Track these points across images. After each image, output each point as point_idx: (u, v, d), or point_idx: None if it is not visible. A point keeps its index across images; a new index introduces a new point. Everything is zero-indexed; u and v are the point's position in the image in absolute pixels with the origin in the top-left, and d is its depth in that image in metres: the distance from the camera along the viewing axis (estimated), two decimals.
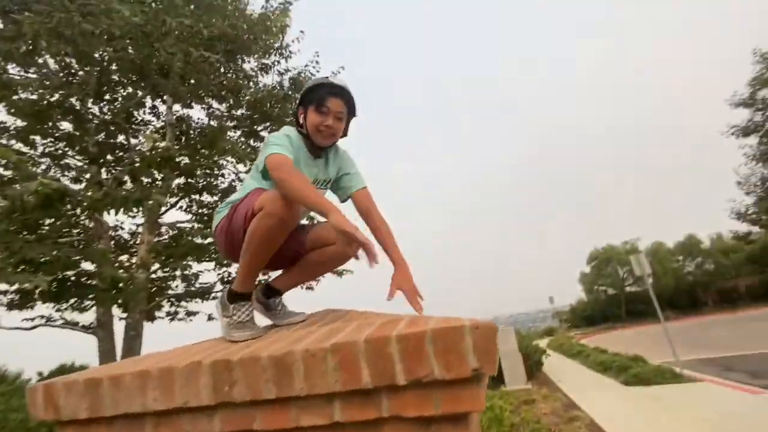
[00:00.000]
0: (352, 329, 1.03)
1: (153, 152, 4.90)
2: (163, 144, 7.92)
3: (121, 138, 9.04)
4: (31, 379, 8.55)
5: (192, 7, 6.53)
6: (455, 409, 0.80)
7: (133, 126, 8.72)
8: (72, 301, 7.00)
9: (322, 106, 1.50)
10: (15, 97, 6.35)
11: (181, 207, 9.54)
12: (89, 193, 4.98)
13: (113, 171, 8.83)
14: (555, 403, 6.41)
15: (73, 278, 6.07)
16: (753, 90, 13.81)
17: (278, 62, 9.72)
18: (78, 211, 5.55)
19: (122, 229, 9.66)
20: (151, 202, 5.48)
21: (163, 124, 9.65)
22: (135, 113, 8.98)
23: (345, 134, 1.65)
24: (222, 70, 7.52)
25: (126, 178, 5.75)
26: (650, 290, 8.72)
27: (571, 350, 13.62)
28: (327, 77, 1.59)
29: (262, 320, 1.58)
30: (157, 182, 7.81)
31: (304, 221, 1.92)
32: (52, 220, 5.58)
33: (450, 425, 0.82)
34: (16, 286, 5.84)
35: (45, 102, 6.58)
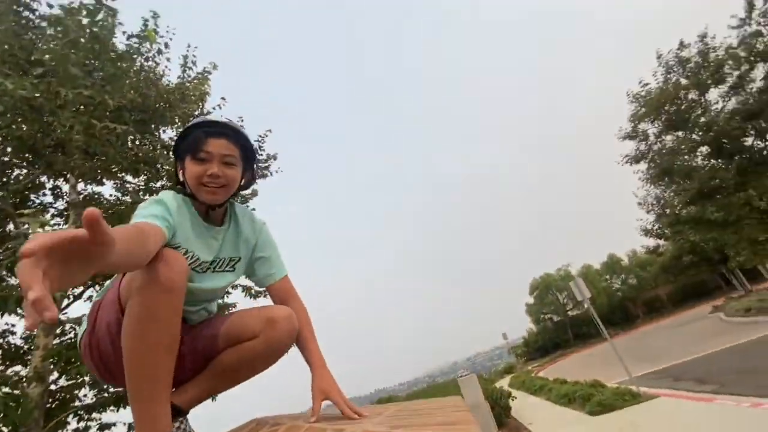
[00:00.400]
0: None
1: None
2: (60, 225, 6.92)
3: (11, 226, 7.78)
4: None
5: (95, 76, 6.07)
6: None
7: (22, 211, 7.57)
8: None
9: (200, 151, 1.15)
10: None
11: (90, 298, 8.24)
12: None
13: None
14: None
15: None
16: (634, 125, 16.19)
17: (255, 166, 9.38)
18: None
19: (13, 334, 8.03)
20: None
21: (65, 206, 8.57)
22: (32, 197, 7.89)
23: (245, 187, 1.31)
24: (135, 141, 6.96)
25: (5, 272, 4.76)
26: (592, 311, 9.06)
27: (533, 386, 13.50)
28: (205, 116, 1.24)
29: None
30: None
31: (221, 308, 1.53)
32: None
33: None
34: None
35: None
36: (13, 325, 7.90)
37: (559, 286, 34.09)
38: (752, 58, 13.02)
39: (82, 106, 5.46)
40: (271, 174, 10.50)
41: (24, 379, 6.09)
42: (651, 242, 21.81)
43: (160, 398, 0.98)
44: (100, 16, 6.05)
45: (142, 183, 9.18)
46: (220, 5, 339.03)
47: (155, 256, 0.91)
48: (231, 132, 1.21)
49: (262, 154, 10.15)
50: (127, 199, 8.91)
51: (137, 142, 7.08)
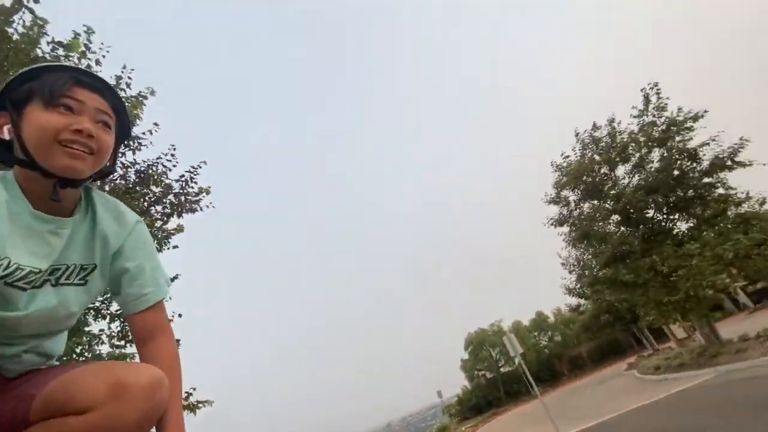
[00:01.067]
0: None
1: None
2: None
3: None
4: None
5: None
6: None
7: None
8: None
9: (66, 97, 0.81)
10: None
11: None
12: None
13: None
14: None
15: None
16: (557, 191, 17.84)
17: (123, 154, 8.55)
18: None
19: None
20: None
21: None
22: None
23: (107, 173, 0.95)
24: None
25: None
26: (523, 368, 9.10)
27: None
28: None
29: None
30: None
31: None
32: None
33: None
34: None
35: None
36: None
37: (492, 341, 34.71)
38: (650, 143, 15.34)
39: None
40: (202, 209, 9.72)
41: None
42: (573, 301, 23.20)
43: None
44: (17, 18, 5.45)
45: None
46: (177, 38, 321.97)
47: None
48: (107, 89, 0.89)
49: (193, 187, 9.45)
50: None
51: None
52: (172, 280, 8.90)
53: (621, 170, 16.94)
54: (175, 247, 9.36)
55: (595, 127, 16.87)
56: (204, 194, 9.48)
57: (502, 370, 35.54)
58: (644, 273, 13.70)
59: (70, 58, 6.16)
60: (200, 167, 9.40)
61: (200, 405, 7.55)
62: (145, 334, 0.95)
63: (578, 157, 17.56)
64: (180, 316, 8.93)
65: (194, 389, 7.78)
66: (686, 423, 7.30)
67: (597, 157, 17.16)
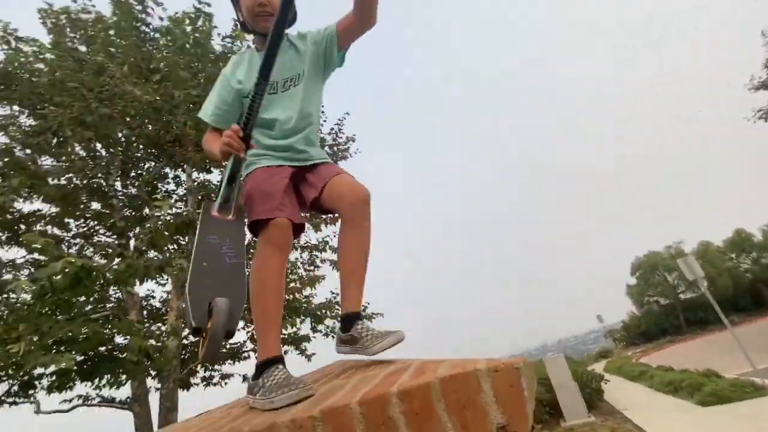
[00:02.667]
0: (351, 386, 0.85)
1: (171, 219, 5.00)
2: (182, 209, 8.17)
3: (146, 210, 9.43)
4: None
5: (200, 77, 6.94)
6: None
7: (157, 198, 9.09)
8: (107, 377, 7.00)
9: None
10: (46, 187, 6.77)
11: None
12: (114, 266, 5.08)
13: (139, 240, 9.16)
14: None
15: (105, 354, 6.08)
16: None
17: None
18: (105, 285, 5.64)
19: (153, 298, 9.84)
20: (174, 267, 5.52)
21: (185, 190, 10.06)
22: (159, 185, 9.40)
23: (292, 20, 1.39)
24: None
25: (145, 247, 5.82)
26: (708, 294, 7.93)
27: (631, 372, 12.41)
28: None
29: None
30: (181, 248, 7.97)
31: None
32: (83, 297, 5.68)
33: None
34: (52, 368, 5.89)
35: (73, 186, 6.97)
36: (153, 291, 9.70)
37: (668, 265, 30.06)
38: None
39: (191, 105, 6.30)
40: (351, 155, 10.97)
41: (163, 334, 7.46)
42: None
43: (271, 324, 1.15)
44: (199, 23, 6.87)
45: None
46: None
47: (268, 227, 1.15)
48: None
49: (341, 137, 10.64)
50: None
51: None
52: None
53: None
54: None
55: None
56: (351, 142, 10.64)
57: (681, 296, 31.00)
58: None
59: (236, 45, 7.55)
60: (344, 118, 10.46)
61: (374, 316, 9.25)
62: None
63: None
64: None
65: (368, 303, 9.52)
66: None
67: None
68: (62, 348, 4.61)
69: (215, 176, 10.54)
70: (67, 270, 4.38)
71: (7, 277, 5.39)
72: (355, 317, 1.21)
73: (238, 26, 1.56)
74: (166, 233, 5.35)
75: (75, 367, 4.32)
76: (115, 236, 8.00)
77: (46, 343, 4.26)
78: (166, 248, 6.30)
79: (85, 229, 8.44)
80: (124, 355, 6.17)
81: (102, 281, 5.51)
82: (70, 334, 4.54)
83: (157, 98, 5.76)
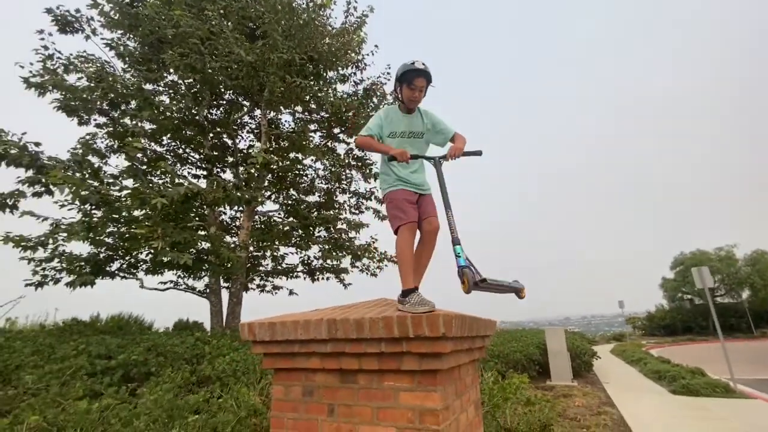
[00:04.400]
0: (392, 311, 2.05)
1: (260, 165, 6.31)
2: (259, 147, 9.56)
3: (227, 141, 11.01)
4: (159, 329, 11.05)
5: (289, 44, 7.88)
6: (435, 349, 1.79)
7: (234, 128, 10.47)
8: (189, 272, 9.02)
9: (412, 84, 2.31)
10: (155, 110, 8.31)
11: (271, 199, 11.36)
12: (213, 194, 6.60)
13: (225, 170, 10.85)
14: (592, 399, 6.90)
15: (201, 257, 7.94)
16: None
17: (354, 74, 10.94)
18: (203, 205, 7.27)
19: (225, 214, 11.79)
20: (258, 202, 7.00)
21: (257, 125, 11.48)
22: (235, 116, 10.83)
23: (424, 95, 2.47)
24: (314, 88, 8.83)
25: (238, 181, 7.30)
26: (711, 305, 8.45)
27: (631, 357, 13.35)
28: (413, 63, 2.34)
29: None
30: (260, 185, 9.52)
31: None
32: (191, 214, 7.37)
33: (433, 359, 1.81)
34: (149, 257, 7.80)
35: (171, 113, 8.43)
36: (225, 212, 11.59)
37: (714, 266, 28.99)
38: None
39: (283, 65, 7.35)
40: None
41: (237, 247, 9.30)
42: None
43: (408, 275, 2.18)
44: None
45: (307, 114, 11.41)
46: None
47: (407, 218, 2.25)
48: (426, 74, 2.34)
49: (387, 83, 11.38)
50: (298, 127, 11.32)
51: (316, 89, 8.83)
52: None
53: None
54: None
55: None
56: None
57: (718, 299, 30.16)
58: None
59: (324, 10, 8.30)
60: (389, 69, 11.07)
61: None
62: (456, 142, 2.50)
63: None
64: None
65: None
66: None
67: None
68: (177, 249, 6.32)
69: (285, 116, 11.80)
70: (186, 193, 5.91)
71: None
72: (416, 290, 2.14)
73: (398, 100, 2.48)
74: (258, 176, 6.69)
75: (184, 262, 5.98)
76: (204, 160, 9.67)
77: (173, 241, 5.94)
78: (255, 186, 7.74)
79: (178, 150, 10.17)
80: (209, 257, 8.00)
81: (203, 201, 7.15)
82: (185, 237, 6.22)
83: (257, 60, 6.84)
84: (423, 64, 2.34)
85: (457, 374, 2.22)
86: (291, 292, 11.69)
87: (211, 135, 9.64)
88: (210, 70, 6.90)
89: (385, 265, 10.63)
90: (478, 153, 2.50)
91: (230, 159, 10.06)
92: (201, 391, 3.65)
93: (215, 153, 10.00)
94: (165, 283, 9.41)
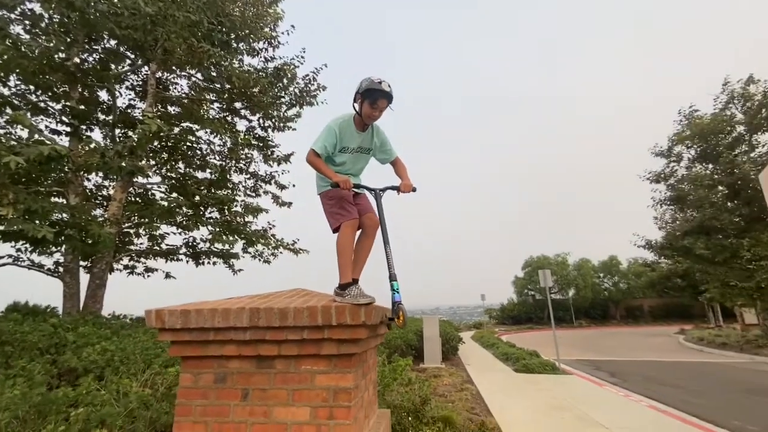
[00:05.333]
0: (316, 300, 2.22)
1: (152, 133, 5.59)
2: (146, 109, 8.42)
3: (104, 96, 9.34)
4: None
5: (198, 2, 7.09)
6: (354, 336, 2.02)
7: (111, 81, 8.88)
8: (41, 246, 7.50)
9: (375, 104, 2.40)
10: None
11: (153, 170, 10.07)
12: (86, 158, 5.64)
13: (92, 128, 9.19)
14: (456, 378, 8.03)
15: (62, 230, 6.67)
16: (671, 144, 16.32)
17: (266, 49, 10.37)
18: (68, 169, 6.12)
19: (88, 181, 10.03)
20: (144, 174, 6.19)
21: (141, 82, 10.02)
22: (116, 68, 9.25)
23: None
24: (221, 58, 8.08)
25: (120, 147, 6.33)
26: (548, 300, 10.61)
27: (487, 342, 15.72)
28: (380, 82, 2.40)
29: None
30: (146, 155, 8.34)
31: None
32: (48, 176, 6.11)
33: (350, 344, 2.04)
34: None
35: (32, 52, 6.86)
36: (89, 179, 9.87)
37: (552, 269, 35.63)
38: None
39: (189, 26, 6.58)
40: (318, 104, 11.61)
41: (105, 221, 8.04)
42: (650, 255, 22.48)
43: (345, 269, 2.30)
44: None
45: (205, 80, 10.37)
46: None
47: (349, 216, 2.37)
48: (390, 97, 2.44)
49: (314, 85, 11.18)
50: (193, 93, 10.24)
51: (219, 56, 8.09)
52: (289, 155, 11.44)
53: (766, 137, 14.66)
54: (293, 129, 11.67)
55: (752, 80, 14.22)
56: (321, 90, 11.22)
57: (553, 296, 37.19)
58: (723, 252, 13.20)
59: None
60: (322, 69, 10.97)
61: (301, 251, 10.62)
62: (397, 167, 2.72)
63: (717, 110, 15.38)
64: (294, 185, 11.64)
65: (298, 239, 10.82)
66: (673, 382, 8.60)
67: (740, 116, 14.89)
68: (33, 217, 5.22)
69: (179, 80, 10.54)
70: (49, 154, 4.98)
71: None
72: (356, 282, 2.33)
73: (355, 111, 2.50)
74: (146, 145, 5.91)
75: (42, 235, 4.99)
76: (70, 115, 8.06)
77: (26, 209, 4.89)
78: (141, 155, 6.76)
79: (32, 97, 8.29)
80: (68, 230, 6.78)
81: (69, 166, 6.04)
82: (43, 206, 5.18)
83: (157, 13, 5.98)
84: (389, 86, 2.40)
85: (366, 357, 2.50)
86: (168, 276, 10.60)
87: (82, 86, 8.09)
88: (95, 13, 5.78)
89: (281, 253, 10.41)
90: (415, 190, 2.60)
91: (103, 117, 8.60)
92: (63, 384, 3.22)
93: (83, 107, 8.45)
94: (2, 257, 7.65)
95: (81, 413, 2.21)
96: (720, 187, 14.45)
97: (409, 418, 3.45)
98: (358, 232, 2.52)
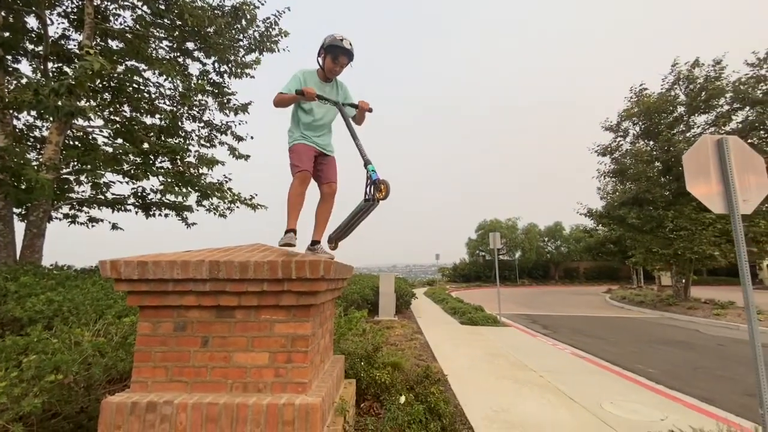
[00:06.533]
0: (276, 255, 2.31)
1: (94, 72, 5.07)
2: (82, 41, 7.56)
3: (32, 23, 8.19)
4: None
5: None
6: (313, 288, 2.16)
7: (41, 5, 7.81)
8: None
9: (336, 59, 2.58)
10: None
11: (95, 111, 9.19)
12: (17, 95, 5.06)
13: (19, 59, 8.11)
14: (407, 330, 8.61)
15: None
16: (619, 120, 17.27)
17: None
18: None
19: (17, 120, 9.04)
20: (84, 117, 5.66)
21: (75, 8, 8.88)
22: None
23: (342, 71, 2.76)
24: None
25: (57, 85, 5.70)
26: (495, 261, 11.39)
27: (438, 297, 16.73)
28: (342, 40, 2.54)
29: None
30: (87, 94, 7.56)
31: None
32: None
33: (309, 296, 2.18)
34: None
35: None
36: (18, 118, 8.88)
37: (502, 232, 37.71)
38: (746, 98, 14.04)
39: None
40: (279, 51, 10.96)
41: (40, 165, 7.39)
42: (589, 222, 24.35)
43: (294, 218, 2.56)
44: None
45: (154, 17, 9.39)
46: None
47: (301, 167, 2.54)
48: (350, 55, 2.61)
49: (275, 29, 10.48)
50: (138, 27, 9.25)
51: None
52: (247, 105, 10.88)
53: (701, 119, 15.91)
54: (251, 77, 11.04)
55: (698, 63, 15.15)
56: (283, 36, 10.56)
57: (500, 257, 39.60)
58: (650, 222, 14.64)
59: None
60: (285, 12, 10.27)
61: (259, 206, 10.43)
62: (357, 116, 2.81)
63: (663, 90, 16.35)
64: (252, 138, 11.19)
65: (256, 194, 10.59)
66: (595, 334, 9.76)
67: (683, 97, 15.96)
68: None
69: (120, 11, 9.43)
70: None
71: None
72: (317, 242, 2.73)
73: (319, 65, 2.62)
74: (86, 85, 5.36)
75: None
76: None
77: None
78: (82, 94, 6.11)
79: None
80: (2, 175, 6.22)
81: None
82: None
83: None
84: (350, 44, 2.56)
85: (323, 308, 2.67)
86: (114, 226, 10.07)
87: (6, 10, 7.03)
88: None
89: (237, 207, 10.17)
90: (371, 110, 2.80)
91: (32, 48, 7.60)
92: (7, 334, 3.14)
93: (8, 35, 7.43)
94: None
95: (33, 360, 2.22)
96: (657, 163, 15.69)
97: (362, 363, 3.75)
98: (320, 197, 2.74)
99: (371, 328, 7.22)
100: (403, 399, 3.36)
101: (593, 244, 32.55)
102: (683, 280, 15.45)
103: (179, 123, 10.12)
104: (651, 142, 16.53)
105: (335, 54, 2.55)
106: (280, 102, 2.56)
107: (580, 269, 39.43)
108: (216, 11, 9.28)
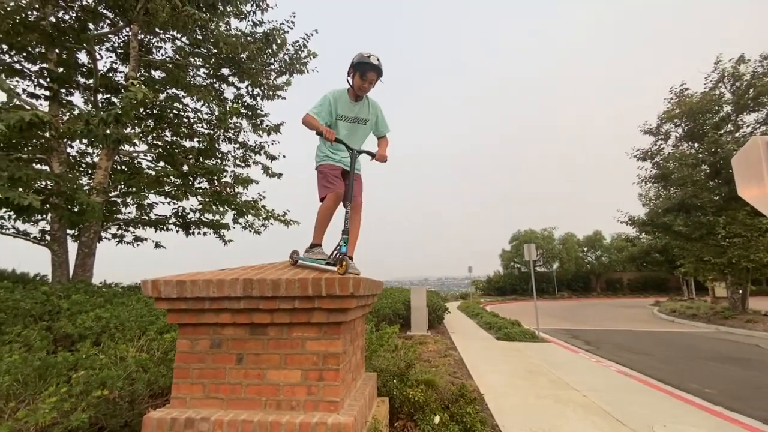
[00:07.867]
0: (306, 272, 2.33)
1: (138, 101, 5.45)
2: (128, 73, 8.14)
3: (83, 58, 8.94)
4: None
5: None
6: (342, 306, 2.16)
7: (91, 42, 8.50)
8: (26, 214, 7.40)
9: (364, 76, 2.62)
10: None
11: (140, 138, 9.84)
12: (69, 125, 5.50)
13: (72, 92, 8.86)
14: (441, 345, 8.41)
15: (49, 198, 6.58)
16: (661, 121, 16.45)
17: (254, 12, 9.97)
18: (50, 136, 5.98)
19: (71, 148, 9.80)
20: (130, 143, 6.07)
21: (121, 44, 9.62)
22: (95, 28, 8.84)
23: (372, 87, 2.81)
24: (207, 22, 7.77)
25: (105, 115, 6.17)
26: (532, 273, 11.00)
27: (472, 312, 16.29)
28: (369, 56, 2.59)
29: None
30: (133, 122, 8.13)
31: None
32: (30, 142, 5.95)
33: (339, 313, 2.18)
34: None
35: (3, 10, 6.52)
36: (72, 146, 9.63)
37: (538, 242, 36.49)
38: None
39: None
40: (308, 72, 11.32)
41: (91, 189, 7.95)
42: (632, 232, 23.09)
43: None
44: None
45: (191, 44, 10.00)
46: None
47: (334, 188, 2.64)
48: (379, 71, 2.64)
49: (304, 51, 10.84)
50: (179, 57, 9.88)
51: (206, 18, 7.79)
52: (279, 125, 11.27)
53: (751, 118, 14.87)
54: (283, 98, 11.44)
55: (743, 59, 14.24)
56: (311, 57, 10.92)
57: (537, 269, 38.23)
58: (700, 229, 13.69)
59: None
60: (312, 35, 10.64)
61: (292, 222, 10.68)
62: (379, 141, 2.96)
63: (707, 89, 15.45)
64: (284, 156, 11.53)
65: (288, 210, 10.86)
66: (642, 349, 9.14)
67: (728, 95, 15.01)
68: (16, 185, 5.15)
69: (161, 42, 10.13)
70: (31, 120, 4.87)
71: None
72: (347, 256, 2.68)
73: (348, 84, 2.69)
74: (131, 113, 5.77)
75: (28, 203, 4.94)
76: (48, 79, 7.76)
77: (10, 177, 4.82)
78: (127, 122, 6.58)
79: (5, 57, 7.93)
80: (57, 200, 6.73)
81: (51, 132, 5.90)
82: (27, 173, 5.10)
83: None
84: (378, 60, 2.60)
85: (353, 325, 2.66)
86: (158, 245, 10.61)
87: (60, 48, 7.73)
88: None
89: (271, 224, 10.46)
90: (386, 161, 2.83)
91: (83, 81, 8.28)
92: (59, 349, 3.34)
93: (62, 70, 8.13)
94: None
95: (82, 376, 2.34)
96: (703, 166, 14.74)
97: (394, 381, 3.68)
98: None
99: (403, 344, 7.12)
100: (437, 419, 3.25)
101: (637, 254, 30.78)
102: (740, 291, 14.24)
103: (216, 145, 10.63)
104: (696, 144, 15.58)
105: (363, 71, 2.59)
106: (307, 125, 2.63)
107: (623, 280, 37.34)
108: (249, 38, 9.76)
